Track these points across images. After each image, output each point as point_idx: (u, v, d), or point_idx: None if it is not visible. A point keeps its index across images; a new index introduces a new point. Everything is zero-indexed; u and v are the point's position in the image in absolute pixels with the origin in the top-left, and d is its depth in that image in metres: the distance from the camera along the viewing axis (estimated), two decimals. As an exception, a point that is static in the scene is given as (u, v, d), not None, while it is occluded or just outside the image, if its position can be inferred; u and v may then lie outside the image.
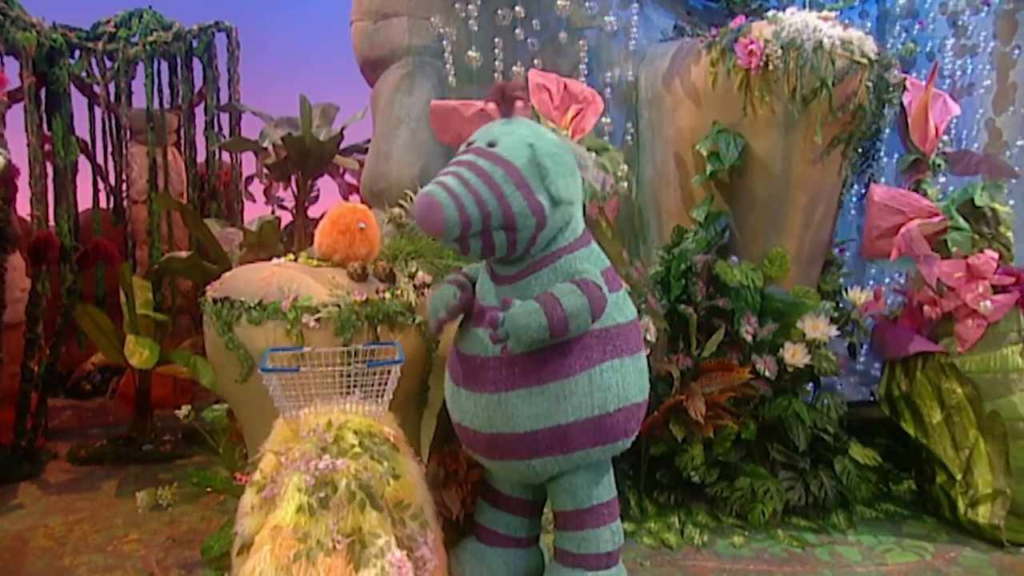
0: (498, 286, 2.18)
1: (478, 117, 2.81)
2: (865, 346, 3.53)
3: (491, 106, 2.33)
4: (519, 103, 2.21)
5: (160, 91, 5.15)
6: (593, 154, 2.91)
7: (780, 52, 3.01)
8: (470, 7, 3.48)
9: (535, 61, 3.51)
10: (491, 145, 2.08)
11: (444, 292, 2.25)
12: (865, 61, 3.04)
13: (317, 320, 2.44)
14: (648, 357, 2.36)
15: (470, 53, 3.43)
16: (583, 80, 3.48)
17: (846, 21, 3.26)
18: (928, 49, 3.74)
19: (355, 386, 2.21)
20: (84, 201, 5.07)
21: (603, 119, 3.40)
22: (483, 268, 2.29)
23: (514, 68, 3.50)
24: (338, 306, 2.46)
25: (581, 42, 3.55)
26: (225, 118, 5.23)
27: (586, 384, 2.12)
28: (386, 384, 2.19)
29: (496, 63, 3.49)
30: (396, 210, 3.28)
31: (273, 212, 4.72)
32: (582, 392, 2.11)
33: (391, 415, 2.24)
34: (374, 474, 1.97)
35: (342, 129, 4.58)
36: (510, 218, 2.03)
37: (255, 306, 2.47)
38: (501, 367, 2.12)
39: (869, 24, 3.87)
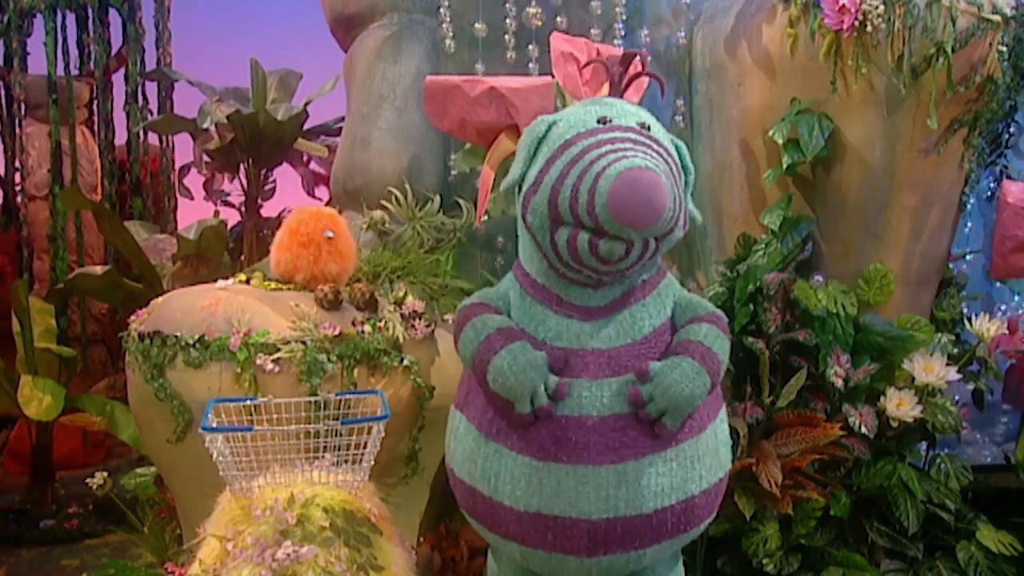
0: (586, 321, 2.16)
1: (488, 98, 2.85)
2: (996, 393, 3.54)
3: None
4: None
5: (66, 53, 5.23)
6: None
7: (882, 8, 3.04)
8: (474, -52, 3.54)
9: (557, 19, 3.56)
10: (644, 127, 2.12)
11: (530, 356, 2.09)
12: (997, 19, 3.07)
13: (276, 362, 2.48)
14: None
15: (477, 25, 3.48)
16: (619, 46, 3.53)
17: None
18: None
19: (325, 448, 2.25)
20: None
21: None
22: (522, 295, 2.24)
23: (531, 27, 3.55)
24: (303, 343, 2.51)
25: (617, -7, 3.60)
26: (152, 89, 5.32)
27: (713, 439, 2.20)
28: (365, 446, 2.23)
29: (507, 22, 3.55)
30: (378, 213, 3.34)
31: (216, 213, 4.79)
32: (711, 450, 2.19)
33: (372, 487, 2.28)
34: (349, 566, 2.00)
35: (306, 105, 4.66)
36: (676, 224, 2.07)
37: (195, 343, 2.52)
38: (624, 428, 2.10)
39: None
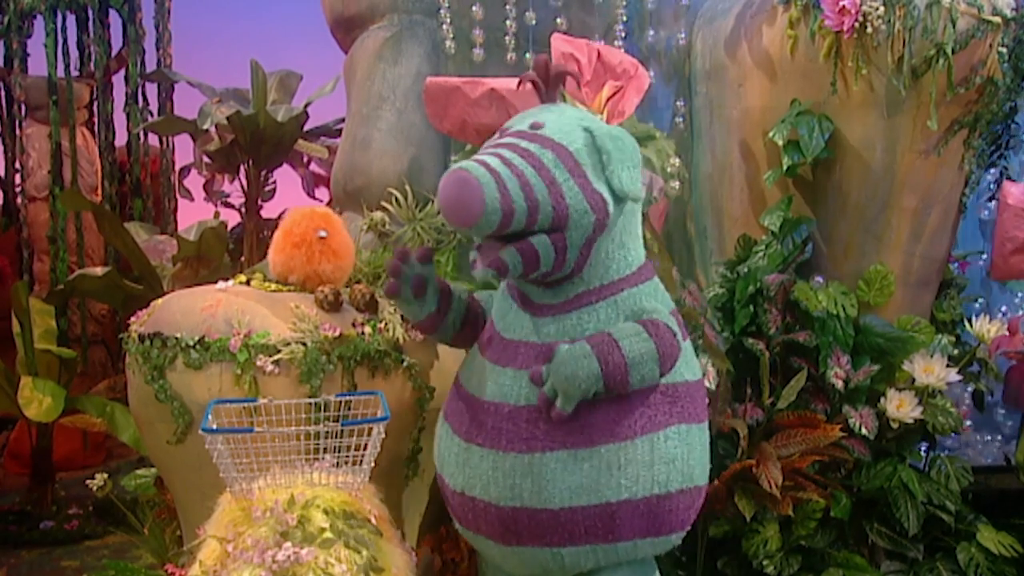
0: (536, 317, 2.20)
1: (488, 100, 2.86)
2: (996, 395, 3.54)
3: (520, 86, 2.37)
4: (566, 83, 2.26)
5: (66, 54, 5.23)
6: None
7: (882, 10, 3.05)
8: (474, -50, 3.54)
9: (558, 21, 3.57)
10: (535, 127, 2.13)
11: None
12: (997, 20, 3.07)
13: (276, 363, 2.48)
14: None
15: (474, 10, 3.49)
16: (620, 46, 3.53)
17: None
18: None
19: (326, 450, 2.25)
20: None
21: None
22: (503, 292, 2.33)
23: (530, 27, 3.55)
24: (303, 344, 2.51)
25: (618, -6, 3.61)
26: (153, 90, 5.32)
27: (647, 452, 2.14)
28: (366, 447, 2.23)
29: (508, 23, 3.55)
30: (378, 214, 3.34)
31: (217, 214, 4.79)
32: (641, 462, 2.14)
33: (372, 488, 2.28)
34: (349, 567, 2.00)
35: (306, 106, 4.66)
36: (562, 213, 2.05)
37: (195, 345, 2.52)
38: (537, 419, 2.13)
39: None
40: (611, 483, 2.12)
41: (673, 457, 2.17)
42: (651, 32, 3.69)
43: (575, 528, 2.15)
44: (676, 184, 3.09)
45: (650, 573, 2.32)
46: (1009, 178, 3.50)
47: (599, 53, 2.94)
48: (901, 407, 3.15)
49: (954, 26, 3.02)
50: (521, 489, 2.14)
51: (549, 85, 2.26)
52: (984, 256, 3.78)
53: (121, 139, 5.36)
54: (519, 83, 2.35)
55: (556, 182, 2.04)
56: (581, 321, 2.16)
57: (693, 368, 2.29)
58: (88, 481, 3.13)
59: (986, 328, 3.31)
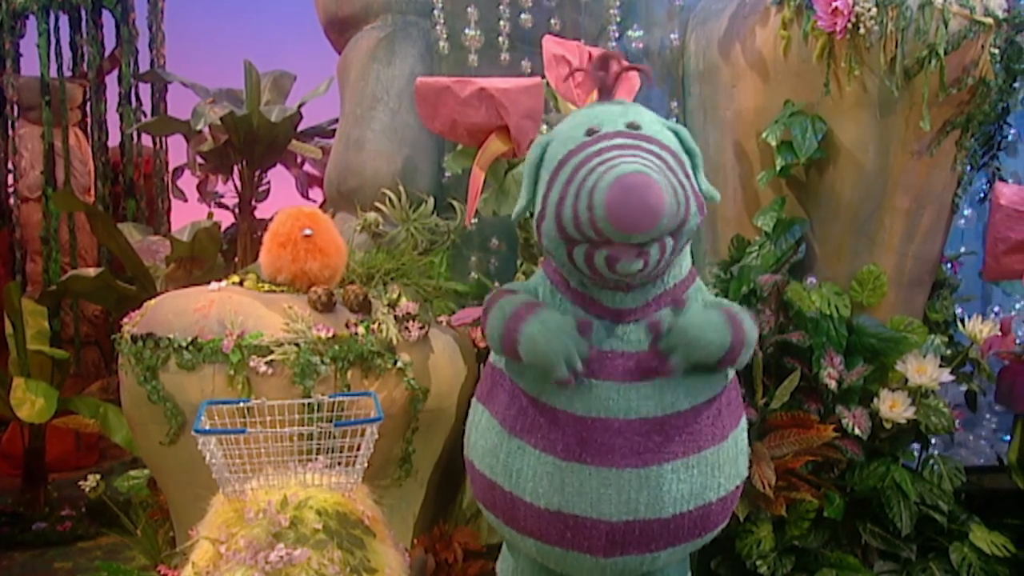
0: (616, 323, 2.15)
1: (478, 99, 2.87)
2: (989, 395, 3.55)
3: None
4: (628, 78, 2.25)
5: (59, 54, 5.23)
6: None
7: (874, 11, 3.05)
8: (467, -50, 3.55)
9: (551, 21, 3.58)
10: (633, 127, 2.09)
11: (560, 321, 2.07)
12: (989, 21, 3.08)
13: (269, 364, 2.49)
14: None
15: (468, 11, 3.50)
16: (614, 47, 3.54)
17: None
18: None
19: (319, 451, 2.26)
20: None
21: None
22: (552, 291, 2.23)
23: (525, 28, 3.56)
24: (296, 345, 2.52)
25: (611, -5, 3.61)
26: (146, 90, 5.31)
27: (735, 447, 2.23)
28: (359, 448, 2.23)
29: (501, 24, 3.56)
30: (372, 215, 3.35)
31: (210, 214, 4.79)
32: (731, 459, 2.22)
33: (365, 489, 2.29)
34: (342, 569, 2.01)
35: (300, 106, 4.66)
36: (688, 216, 2.03)
37: (187, 346, 2.52)
38: (649, 432, 2.10)
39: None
40: (712, 484, 2.17)
41: (745, 449, 2.28)
42: (639, 33, 3.68)
43: (680, 531, 2.17)
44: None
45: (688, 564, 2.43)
46: (1001, 179, 3.51)
47: (591, 54, 2.95)
48: (894, 407, 3.16)
49: (946, 27, 3.03)
50: (637, 503, 2.11)
51: (611, 79, 2.20)
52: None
53: (114, 139, 5.36)
54: (568, 75, 2.34)
55: (684, 184, 2.03)
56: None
57: None
58: (81, 482, 3.14)
59: (979, 329, 3.32)
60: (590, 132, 2.09)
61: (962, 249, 3.76)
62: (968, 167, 3.39)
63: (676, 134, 2.15)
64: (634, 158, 1.98)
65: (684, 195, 2.00)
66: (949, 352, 3.35)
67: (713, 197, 2.17)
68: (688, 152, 2.14)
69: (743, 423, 2.30)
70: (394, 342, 2.65)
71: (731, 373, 2.26)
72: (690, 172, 2.10)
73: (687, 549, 2.27)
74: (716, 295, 3.33)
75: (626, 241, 1.96)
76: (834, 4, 3.07)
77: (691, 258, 2.28)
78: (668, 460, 2.10)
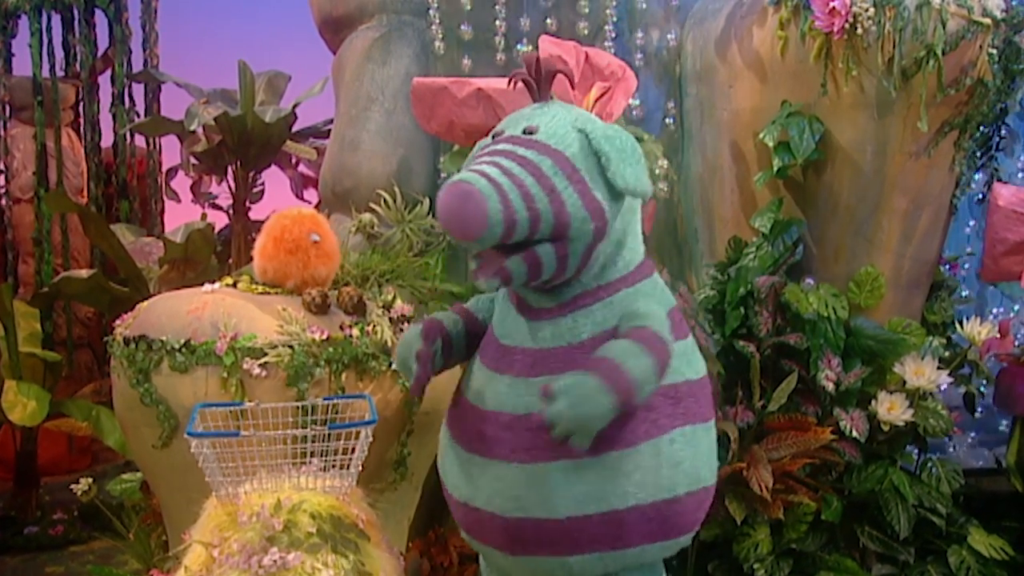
0: (532, 321, 2.17)
1: (476, 99, 2.86)
2: (988, 397, 3.55)
3: (511, 85, 2.34)
4: (558, 81, 2.23)
5: (51, 54, 5.23)
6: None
7: (872, 11, 3.05)
8: (463, -50, 3.54)
9: (547, 22, 3.57)
10: (529, 132, 2.09)
11: (408, 339, 2.20)
12: (987, 22, 3.08)
13: (263, 366, 2.48)
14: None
15: (465, 6, 3.49)
16: (610, 48, 3.54)
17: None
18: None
19: (313, 454, 2.24)
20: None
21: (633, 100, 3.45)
22: (504, 296, 2.28)
23: (521, 28, 3.56)
24: (290, 347, 2.51)
25: (608, -5, 3.61)
26: (139, 91, 5.31)
27: (652, 457, 2.10)
28: (353, 451, 2.22)
29: (497, 23, 3.56)
30: (367, 216, 3.34)
31: (204, 215, 4.79)
32: (647, 467, 2.10)
33: (359, 492, 2.28)
34: (336, 572, 2.00)
35: (294, 106, 4.66)
36: (563, 222, 2.01)
37: (181, 348, 2.51)
38: (537, 429, 2.05)
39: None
40: (617, 491, 2.09)
41: (679, 460, 2.13)
42: (637, 33, 3.69)
43: (582, 537, 2.12)
44: (664, 186, 3.10)
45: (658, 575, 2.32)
46: (999, 179, 3.52)
47: (587, 55, 2.95)
48: (892, 409, 3.16)
49: (944, 27, 3.03)
50: (526, 500, 2.10)
51: (541, 84, 2.24)
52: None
53: (107, 140, 5.35)
54: (509, 81, 2.32)
55: (556, 190, 2.00)
56: (576, 323, 2.13)
57: (695, 366, 2.23)
58: (73, 486, 3.12)
59: (977, 330, 3.33)
60: (494, 136, 2.13)
61: (967, 251, 3.77)
62: (966, 168, 3.40)
63: (584, 134, 2.09)
64: (483, 164, 1.99)
65: (530, 204, 1.96)
66: (947, 354, 3.36)
67: (643, 193, 2.12)
68: (596, 154, 2.07)
69: (677, 434, 2.12)
70: (389, 344, 2.64)
71: (671, 378, 2.12)
72: (584, 177, 2.05)
73: (606, 563, 2.16)
74: (711, 296, 3.36)
75: (474, 248, 2.01)
76: (831, 4, 3.07)
77: (641, 255, 2.21)
78: (558, 459, 2.05)
